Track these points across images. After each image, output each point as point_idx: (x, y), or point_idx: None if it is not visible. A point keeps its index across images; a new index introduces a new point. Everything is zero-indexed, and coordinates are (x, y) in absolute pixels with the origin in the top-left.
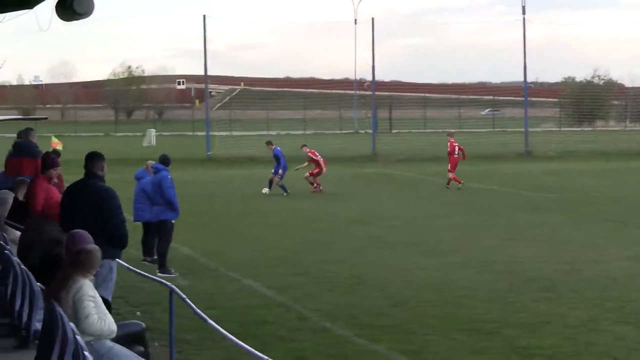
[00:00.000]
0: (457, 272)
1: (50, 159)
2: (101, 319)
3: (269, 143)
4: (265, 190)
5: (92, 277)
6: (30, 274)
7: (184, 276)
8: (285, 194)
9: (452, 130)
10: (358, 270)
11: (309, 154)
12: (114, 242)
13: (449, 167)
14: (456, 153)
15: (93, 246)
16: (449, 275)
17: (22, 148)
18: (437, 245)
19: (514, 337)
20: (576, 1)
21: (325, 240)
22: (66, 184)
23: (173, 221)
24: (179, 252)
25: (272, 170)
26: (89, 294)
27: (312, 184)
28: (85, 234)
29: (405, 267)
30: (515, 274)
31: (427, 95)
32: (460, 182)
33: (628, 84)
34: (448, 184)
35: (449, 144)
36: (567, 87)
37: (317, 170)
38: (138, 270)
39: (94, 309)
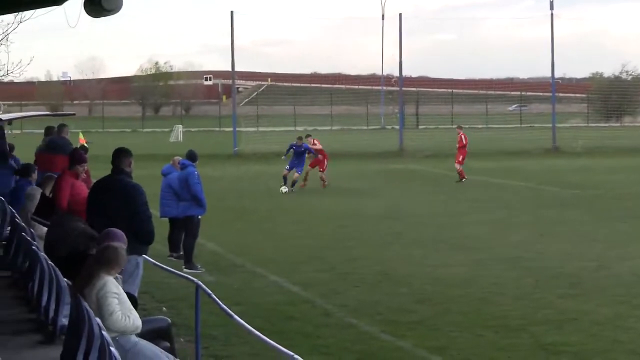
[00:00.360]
0: (483, 269)
1: (78, 155)
2: (125, 315)
3: (305, 137)
4: (286, 189)
5: (117, 274)
6: (57, 269)
7: (210, 272)
8: (292, 189)
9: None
10: (384, 266)
11: (315, 143)
12: (140, 238)
13: (460, 159)
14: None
15: (119, 244)
16: (475, 272)
17: (57, 146)
18: (463, 241)
19: (540, 334)
20: None
21: (351, 236)
22: (94, 180)
23: (199, 217)
24: (205, 248)
25: (287, 167)
26: (113, 291)
27: (323, 180)
28: (119, 232)
29: (431, 264)
30: (541, 270)
31: (454, 90)
32: (464, 178)
33: None
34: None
35: (462, 136)
36: (595, 82)
37: (323, 164)
38: (164, 266)
39: (118, 306)
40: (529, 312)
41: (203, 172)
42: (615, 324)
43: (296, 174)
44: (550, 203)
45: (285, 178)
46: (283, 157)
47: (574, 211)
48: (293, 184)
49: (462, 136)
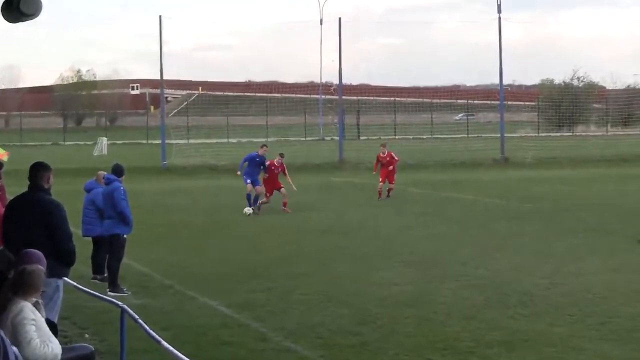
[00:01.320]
0: (432, 287)
1: None
2: (44, 342)
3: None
4: (250, 210)
5: (34, 299)
6: None
7: (136, 295)
8: (257, 210)
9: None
10: (326, 285)
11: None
12: (60, 259)
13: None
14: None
15: (36, 266)
16: (423, 290)
17: None
18: (411, 257)
19: (490, 357)
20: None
21: (291, 253)
22: (9, 197)
23: (125, 236)
24: (131, 268)
25: (248, 180)
26: (30, 317)
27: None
28: (37, 254)
29: (376, 282)
30: (491, 288)
31: (397, 99)
32: (380, 196)
33: (610, 85)
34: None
35: (388, 154)
36: (545, 89)
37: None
38: (87, 289)
39: (36, 333)
40: (479, 333)
41: (130, 188)
42: (568, 345)
43: (259, 188)
44: (500, 216)
45: (250, 196)
46: (238, 173)
47: (525, 225)
48: (256, 202)
49: (389, 154)
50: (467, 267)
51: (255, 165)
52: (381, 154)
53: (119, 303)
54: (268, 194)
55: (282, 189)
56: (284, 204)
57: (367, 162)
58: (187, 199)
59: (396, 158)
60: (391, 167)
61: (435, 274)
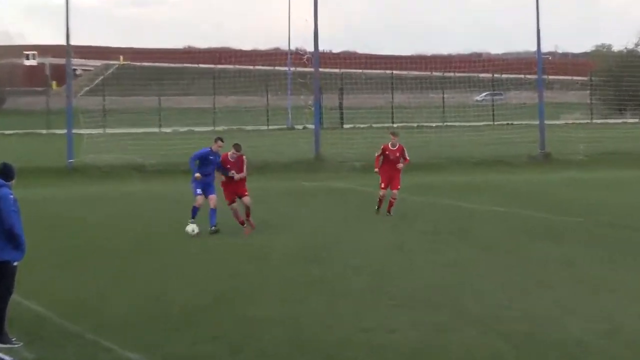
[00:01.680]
0: (443, 334)
1: None
2: None
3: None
4: (196, 228)
5: None
6: None
7: (30, 346)
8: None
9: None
10: (296, 331)
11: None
12: None
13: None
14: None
15: None
16: (430, 338)
17: None
18: (414, 293)
19: None
20: None
21: (247, 287)
22: None
23: (16, 263)
24: (23, 309)
25: (199, 190)
26: None
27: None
28: None
29: (367, 327)
30: (528, 336)
31: (395, 72)
32: (379, 207)
33: None
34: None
35: (399, 148)
36: (600, 59)
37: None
38: None
39: None
40: None
41: (22, 196)
42: None
43: (213, 197)
44: (539, 235)
45: (197, 210)
46: (197, 175)
47: (572, 246)
48: (213, 220)
49: (406, 151)
50: (492, 306)
51: (208, 166)
52: (389, 146)
53: (7, 358)
54: (228, 201)
55: (246, 197)
56: (247, 215)
57: (353, 160)
58: (102, 211)
59: (407, 158)
60: (400, 165)
61: (446, 316)
